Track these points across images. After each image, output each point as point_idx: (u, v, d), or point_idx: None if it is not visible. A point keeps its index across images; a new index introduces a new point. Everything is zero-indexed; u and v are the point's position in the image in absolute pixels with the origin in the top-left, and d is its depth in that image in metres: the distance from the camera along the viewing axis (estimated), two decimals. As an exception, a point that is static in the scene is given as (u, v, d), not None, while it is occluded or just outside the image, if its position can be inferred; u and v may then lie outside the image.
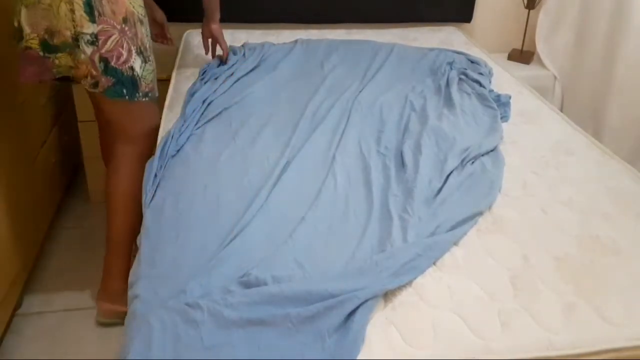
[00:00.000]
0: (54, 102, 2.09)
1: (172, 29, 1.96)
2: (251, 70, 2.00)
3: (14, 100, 1.70)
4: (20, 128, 1.74)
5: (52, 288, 1.83)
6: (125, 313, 1.04)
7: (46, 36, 1.36)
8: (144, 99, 1.46)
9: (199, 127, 1.61)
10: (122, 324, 1.04)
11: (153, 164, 1.41)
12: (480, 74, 2.03)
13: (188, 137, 1.56)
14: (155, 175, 1.38)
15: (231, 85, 1.88)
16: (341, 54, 2.17)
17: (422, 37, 2.55)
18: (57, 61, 1.39)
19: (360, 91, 1.89)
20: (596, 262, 1.18)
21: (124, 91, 1.43)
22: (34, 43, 1.39)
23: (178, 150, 1.50)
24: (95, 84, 1.42)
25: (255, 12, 2.46)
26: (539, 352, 0.99)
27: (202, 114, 1.68)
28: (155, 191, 1.33)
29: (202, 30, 1.92)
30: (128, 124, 1.55)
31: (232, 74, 1.93)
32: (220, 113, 1.69)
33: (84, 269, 1.91)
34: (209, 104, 1.74)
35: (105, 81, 1.40)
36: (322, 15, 2.57)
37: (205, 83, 1.85)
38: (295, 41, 2.26)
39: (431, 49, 2.25)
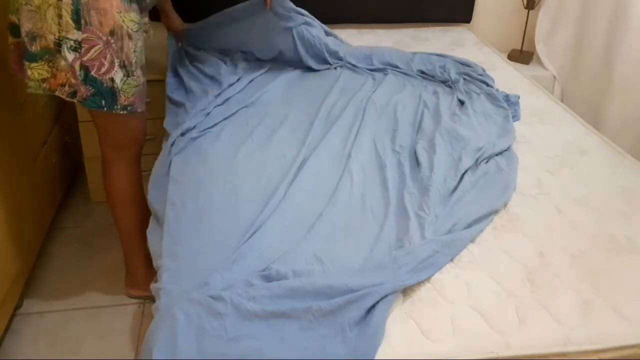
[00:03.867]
0: (54, 102, 2.09)
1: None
2: (266, 71, 2.02)
3: (14, 100, 1.70)
4: (21, 128, 1.74)
5: (52, 288, 1.83)
6: (151, 296, 1.06)
7: (26, 39, 1.35)
8: (122, 112, 1.43)
9: (216, 125, 1.63)
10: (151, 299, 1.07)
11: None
12: (480, 75, 2.04)
13: (204, 133, 1.58)
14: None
15: (246, 85, 1.90)
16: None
17: (433, 36, 2.57)
18: (30, 72, 1.37)
19: (373, 91, 1.90)
20: (612, 260, 1.20)
21: (103, 102, 1.40)
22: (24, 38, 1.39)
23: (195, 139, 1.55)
24: (74, 93, 1.40)
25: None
26: (556, 347, 1.00)
27: (215, 108, 1.70)
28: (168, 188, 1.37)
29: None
30: (113, 132, 1.54)
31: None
32: (236, 112, 1.71)
33: (84, 268, 1.92)
34: (224, 102, 1.76)
35: (84, 90, 1.38)
36: (333, 15, 2.59)
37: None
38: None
39: (414, 53, 2.21)
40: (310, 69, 2.06)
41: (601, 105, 2.40)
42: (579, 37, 2.52)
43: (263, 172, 1.42)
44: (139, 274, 1.72)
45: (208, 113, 1.69)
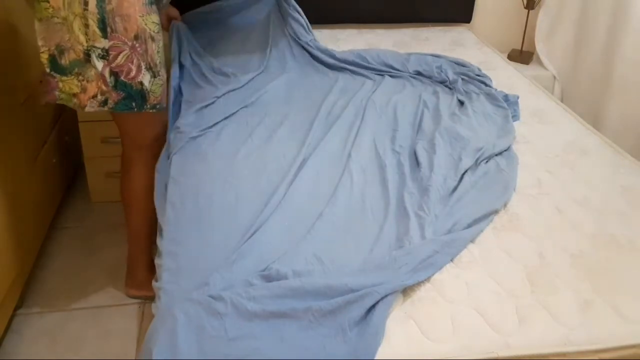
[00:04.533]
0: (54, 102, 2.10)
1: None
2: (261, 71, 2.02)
3: (15, 100, 1.70)
4: (21, 128, 1.74)
5: (52, 288, 1.83)
6: (151, 296, 1.07)
7: (56, 52, 1.37)
8: (151, 110, 1.48)
9: (216, 124, 1.63)
10: (151, 301, 1.07)
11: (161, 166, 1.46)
12: (478, 75, 2.04)
13: (204, 133, 1.58)
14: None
15: (245, 84, 1.89)
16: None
17: (433, 36, 2.57)
18: (61, 84, 1.40)
19: (373, 91, 1.90)
20: (612, 260, 1.20)
21: (133, 104, 1.44)
22: (44, 57, 1.40)
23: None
24: (105, 101, 1.42)
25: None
26: (557, 347, 1.00)
27: (208, 105, 1.71)
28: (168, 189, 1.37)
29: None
30: (136, 132, 1.57)
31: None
32: (236, 112, 1.71)
33: (84, 268, 1.92)
34: (223, 101, 1.77)
35: (115, 95, 1.41)
36: (333, 15, 2.59)
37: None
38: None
39: (409, 54, 2.21)
40: (309, 70, 2.05)
41: (601, 105, 2.40)
42: (579, 37, 2.52)
43: (263, 172, 1.42)
44: (140, 275, 1.73)
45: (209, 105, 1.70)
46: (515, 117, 1.81)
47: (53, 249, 2.01)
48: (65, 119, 2.22)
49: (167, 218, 1.25)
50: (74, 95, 1.41)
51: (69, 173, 2.30)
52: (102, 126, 2.15)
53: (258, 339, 0.94)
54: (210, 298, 1.00)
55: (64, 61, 1.38)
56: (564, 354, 1.00)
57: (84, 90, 1.40)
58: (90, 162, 2.21)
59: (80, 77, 1.40)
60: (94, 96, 1.41)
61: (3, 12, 1.64)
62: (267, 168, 1.44)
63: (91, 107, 1.42)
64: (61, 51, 1.37)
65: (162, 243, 1.19)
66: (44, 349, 1.62)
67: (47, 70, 1.40)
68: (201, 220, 1.24)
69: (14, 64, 1.71)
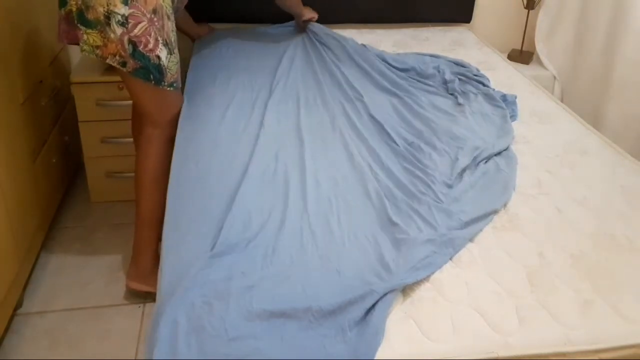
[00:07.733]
0: (54, 102, 2.09)
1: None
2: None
3: (14, 100, 1.71)
4: (21, 128, 1.74)
5: (53, 288, 1.83)
6: (152, 294, 1.07)
7: (82, 7, 1.44)
8: (169, 88, 1.54)
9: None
10: (151, 301, 1.07)
11: None
12: (476, 75, 2.03)
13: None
14: None
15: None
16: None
17: (434, 37, 2.57)
18: (85, 36, 1.46)
19: (366, 95, 1.90)
20: (612, 260, 1.20)
21: (151, 76, 1.50)
22: (74, 6, 1.47)
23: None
24: (124, 63, 1.48)
25: (269, 12, 2.48)
26: (556, 347, 1.00)
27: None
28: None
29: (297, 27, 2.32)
30: (156, 110, 1.61)
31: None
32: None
33: (84, 268, 1.92)
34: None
35: (133, 63, 1.47)
36: (333, 15, 2.59)
37: None
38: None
39: (406, 54, 2.21)
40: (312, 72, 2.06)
41: (601, 105, 2.40)
42: (579, 37, 2.52)
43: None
44: (145, 266, 1.69)
45: None
46: (514, 117, 1.81)
47: (53, 249, 2.02)
48: (65, 119, 2.22)
49: (168, 211, 1.28)
50: (97, 47, 1.47)
51: (69, 173, 2.30)
52: (102, 126, 2.15)
53: (258, 339, 0.94)
54: (211, 298, 1.00)
55: (90, 16, 1.44)
56: (564, 354, 1.00)
57: (105, 45, 1.47)
58: (90, 162, 2.21)
59: (102, 34, 1.46)
60: (113, 54, 1.47)
61: (4, 12, 1.64)
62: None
63: (112, 61, 1.48)
64: (87, 7, 1.44)
65: (164, 241, 1.19)
66: (44, 349, 1.62)
67: (76, 21, 1.47)
68: (199, 210, 1.26)
69: (15, 64, 1.71)
